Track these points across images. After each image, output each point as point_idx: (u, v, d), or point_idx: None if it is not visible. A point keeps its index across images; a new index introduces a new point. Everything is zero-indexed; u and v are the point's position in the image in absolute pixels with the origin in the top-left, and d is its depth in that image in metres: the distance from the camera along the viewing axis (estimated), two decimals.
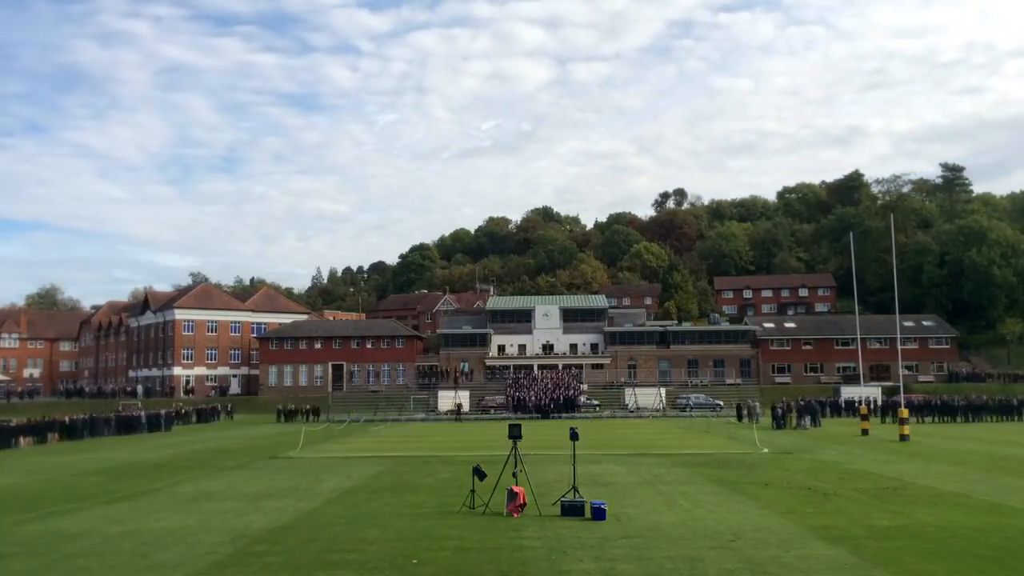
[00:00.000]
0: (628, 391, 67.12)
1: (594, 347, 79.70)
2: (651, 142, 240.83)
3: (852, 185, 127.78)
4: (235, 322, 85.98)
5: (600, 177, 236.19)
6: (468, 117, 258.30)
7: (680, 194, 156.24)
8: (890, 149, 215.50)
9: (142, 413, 51.77)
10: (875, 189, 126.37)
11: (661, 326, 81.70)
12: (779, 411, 45.82)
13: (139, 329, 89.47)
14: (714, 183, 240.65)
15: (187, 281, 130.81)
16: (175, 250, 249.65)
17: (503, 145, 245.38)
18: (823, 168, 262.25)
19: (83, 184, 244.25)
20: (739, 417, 50.29)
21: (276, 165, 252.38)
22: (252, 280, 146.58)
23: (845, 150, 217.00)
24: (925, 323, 78.33)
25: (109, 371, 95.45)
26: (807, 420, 45.14)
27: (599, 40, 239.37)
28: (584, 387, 68.04)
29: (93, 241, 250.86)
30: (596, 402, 65.36)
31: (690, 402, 63.94)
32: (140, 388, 78.85)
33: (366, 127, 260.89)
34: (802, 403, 47.71)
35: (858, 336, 54.87)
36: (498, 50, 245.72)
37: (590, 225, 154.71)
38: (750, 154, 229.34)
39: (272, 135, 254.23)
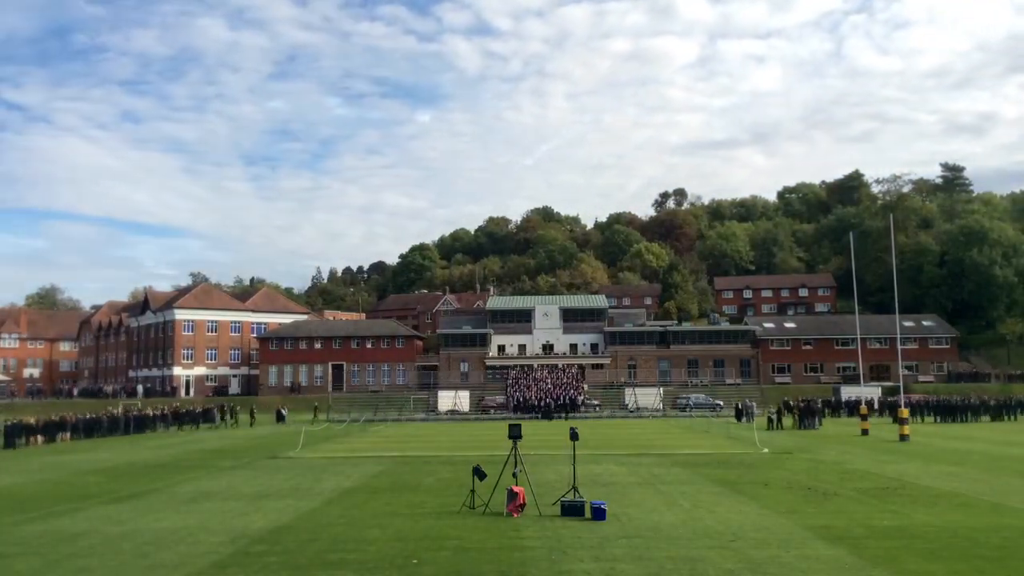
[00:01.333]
0: (628, 391, 67.11)
1: (594, 347, 79.70)
2: (767, 128, 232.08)
3: (852, 185, 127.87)
4: (235, 322, 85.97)
5: (703, 166, 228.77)
6: (589, 103, 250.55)
7: (680, 194, 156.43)
8: (1019, 138, 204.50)
9: (165, 411, 52.26)
10: (875, 189, 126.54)
11: (661, 326, 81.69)
12: (773, 412, 45.91)
13: (139, 329, 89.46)
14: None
15: (187, 280, 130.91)
16: (228, 248, 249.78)
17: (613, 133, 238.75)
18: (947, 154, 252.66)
19: (162, 180, 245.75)
20: (738, 417, 50.33)
21: (363, 159, 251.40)
22: (252, 280, 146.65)
23: (972, 139, 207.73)
24: (925, 323, 78.32)
25: (109, 371, 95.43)
26: (815, 420, 45.21)
27: (766, 14, 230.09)
28: (584, 387, 68.04)
29: (157, 239, 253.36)
30: (596, 402, 65.38)
31: (690, 402, 63.95)
32: (140, 388, 78.83)
33: (472, 116, 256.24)
34: (803, 403, 47.74)
35: (858, 336, 54.81)
36: (648, 26, 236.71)
37: (590, 225, 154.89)
38: (868, 141, 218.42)
39: (372, 128, 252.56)
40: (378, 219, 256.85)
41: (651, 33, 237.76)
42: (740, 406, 50.36)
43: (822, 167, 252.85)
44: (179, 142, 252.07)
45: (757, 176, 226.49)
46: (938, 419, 49.26)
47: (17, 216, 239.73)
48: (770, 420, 45.40)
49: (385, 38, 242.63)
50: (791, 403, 48.92)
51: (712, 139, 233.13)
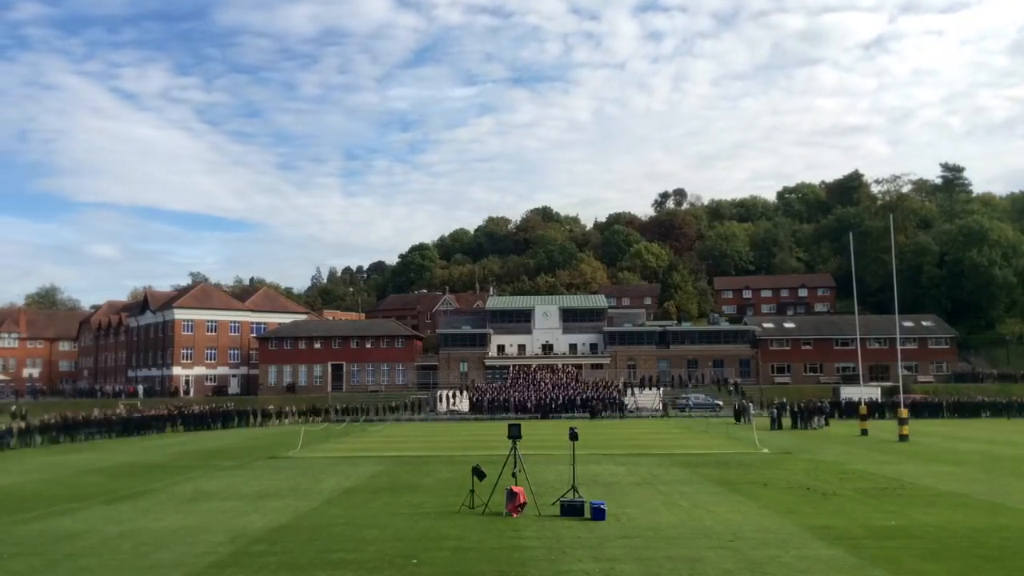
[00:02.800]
0: (628, 391, 67.09)
1: (593, 347, 79.70)
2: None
3: (852, 185, 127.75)
4: (234, 322, 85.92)
5: (820, 157, 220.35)
6: (732, 88, 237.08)
7: (680, 194, 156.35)
8: None
9: (206, 409, 53.47)
10: (875, 189, 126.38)
11: (660, 326, 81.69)
12: (774, 412, 45.90)
13: (138, 329, 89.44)
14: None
15: (187, 280, 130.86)
16: (301, 245, 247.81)
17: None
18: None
19: (255, 177, 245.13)
20: (737, 418, 50.35)
21: (462, 151, 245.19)
22: (251, 280, 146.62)
23: None
24: (925, 323, 78.32)
25: (108, 371, 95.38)
26: (821, 420, 45.25)
27: None
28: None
29: (226, 235, 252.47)
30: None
31: (690, 402, 63.98)
32: (141, 388, 78.78)
33: (596, 104, 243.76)
34: (817, 404, 47.71)
35: (858, 336, 54.82)
36: (833, 1, 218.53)
37: (589, 225, 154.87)
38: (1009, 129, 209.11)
39: (487, 116, 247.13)
40: (459, 215, 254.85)
41: (834, 8, 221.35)
42: (738, 406, 50.33)
43: (947, 156, 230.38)
44: (285, 136, 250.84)
45: (876, 165, 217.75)
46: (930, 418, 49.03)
47: (98, 210, 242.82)
48: (772, 420, 45.45)
49: (547, 18, 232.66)
50: (784, 404, 48.81)
51: (844, 124, 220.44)
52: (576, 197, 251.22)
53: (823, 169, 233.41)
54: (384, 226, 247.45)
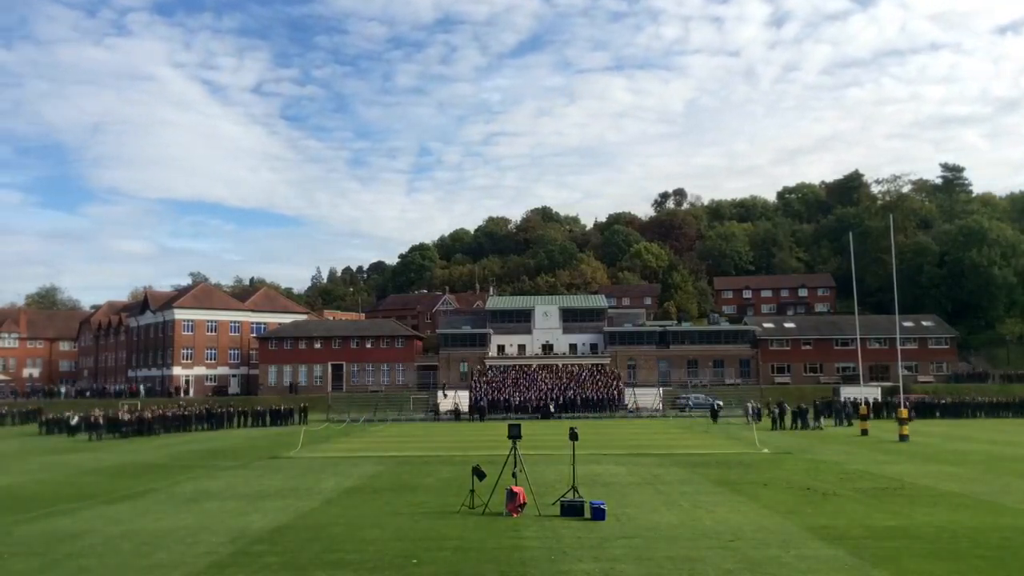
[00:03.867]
0: (628, 391, 67.07)
1: (594, 347, 79.70)
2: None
3: (852, 185, 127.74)
4: (234, 322, 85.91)
5: (910, 150, 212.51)
6: (843, 76, 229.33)
7: (680, 194, 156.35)
8: None
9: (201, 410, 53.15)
10: (875, 189, 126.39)
11: (661, 326, 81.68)
12: (774, 412, 45.84)
13: (138, 329, 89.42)
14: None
15: (187, 280, 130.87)
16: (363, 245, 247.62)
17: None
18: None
19: (323, 175, 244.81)
20: (713, 417, 50.02)
21: (536, 144, 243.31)
22: (252, 280, 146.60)
23: None
24: (925, 323, 78.32)
25: (108, 371, 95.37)
26: (828, 420, 45.24)
27: None
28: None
29: (288, 231, 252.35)
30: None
31: (689, 402, 63.95)
32: (143, 388, 78.76)
33: (686, 91, 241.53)
34: (828, 403, 47.63)
35: (858, 336, 54.85)
36: None
37: (590, 225, 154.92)
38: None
39: (578, 102, 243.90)
40: (516, 211, 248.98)
41: None
42: (751, 408, 49.52)
43: None
44: (366, 130, 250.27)
45: (985, 167, 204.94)
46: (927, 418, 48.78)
47: (158, 205, 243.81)
48: (773, 420, 45.40)
49: (676, 2, 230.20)
50: (779, 405, 48.71)
51: (945, 114, 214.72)
52: (646, 192, 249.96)
53: (911, 163, 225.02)
54: (442, 222, 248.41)
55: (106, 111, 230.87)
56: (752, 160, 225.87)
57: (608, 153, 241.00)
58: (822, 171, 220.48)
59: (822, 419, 45.84)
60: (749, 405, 49.36)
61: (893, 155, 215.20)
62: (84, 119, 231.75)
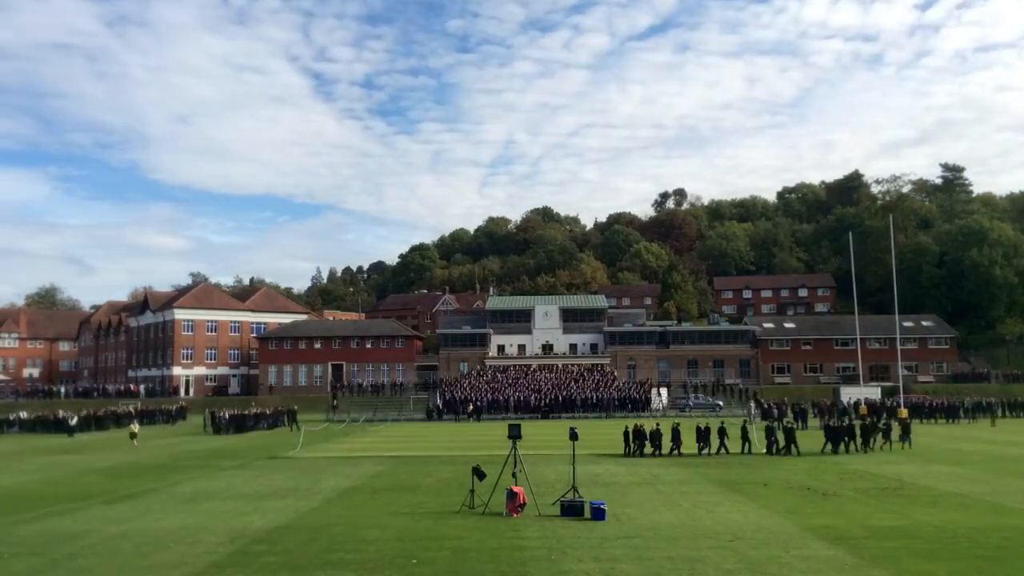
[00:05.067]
0: (652, 392, 66.79)
1: (593, 347, 79.67)
2: None
3: (852, 185, 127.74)
4: (235, 322, 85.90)
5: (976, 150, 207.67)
6: (976, 60, 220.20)
7: (680, 194, 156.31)
8: None
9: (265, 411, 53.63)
10: (875, 189, 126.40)
11: (661, 326, 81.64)
12: (775, 412, 45.78)
13: (138, 329, 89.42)
14: None
15: (187, 280, 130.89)
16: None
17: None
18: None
19: (400, 167, 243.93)
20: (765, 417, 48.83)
21: (622, 141, 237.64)
22: (252, 280, 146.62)
23: None
24: (925, 323, 78.29)
25: (108, 371, 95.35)
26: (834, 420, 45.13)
27: None
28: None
29: (372, 228, 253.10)
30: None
31: (690, 402, 63.96)
32: (143, 388, 78.74)
33: (805, 77, 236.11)
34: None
35: (858, 336, 54.84)
36: None
37: (589, 225, 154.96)
38: None
39: (689, 84, 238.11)
40: (593, 207, 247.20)
41: None
42: (767, 407, 49.05)
43: None
44: (460, 121, 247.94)
45: None
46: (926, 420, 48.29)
47: (224, 201, 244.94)
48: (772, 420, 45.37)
49: None
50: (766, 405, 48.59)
51: None
52: (731, 186, 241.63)
53: (1021, 156, 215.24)
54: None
55: (200, 101, 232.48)
56: (846, 152, 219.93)
57: (699, 143, 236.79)
58: (917, 164, 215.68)
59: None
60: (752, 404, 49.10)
61: (1003, 147, 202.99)
62: (177, 110, 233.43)
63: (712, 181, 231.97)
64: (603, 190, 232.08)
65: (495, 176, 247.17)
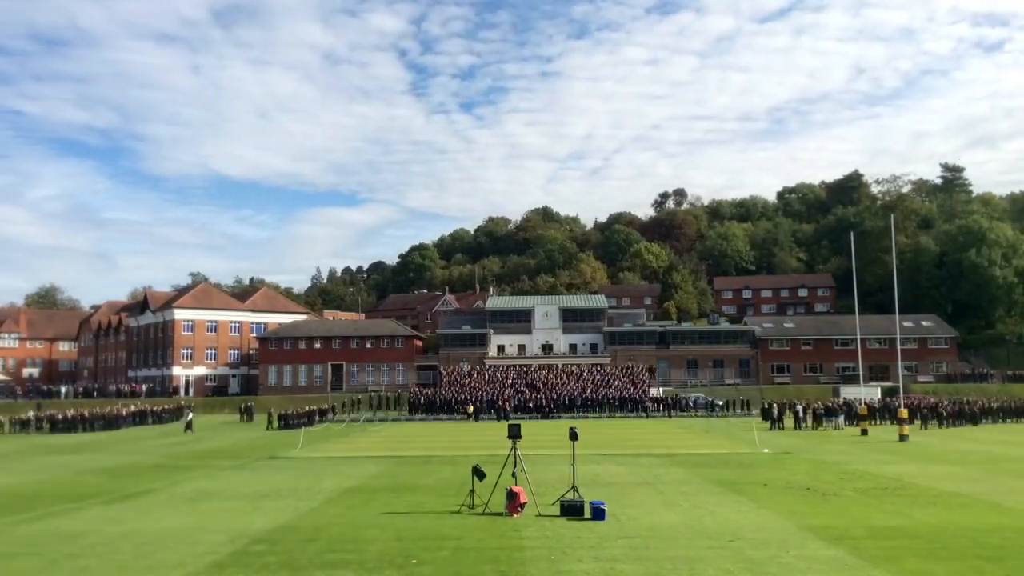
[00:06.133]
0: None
1: (593, 347, 79.68)
2: None
3: (852, 185, 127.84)
4: (234, 322, 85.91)
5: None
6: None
7: (680, 194, 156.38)
8: None
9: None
10: (875, 189, 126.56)
11: (660, 326, 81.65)
12: (775, 412, 45.84)
13: (138, 329, 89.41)
14: None
15: (187, 280, 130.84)
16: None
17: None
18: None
19: (472, 163, 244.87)
20: (765, 418, 48.87)
21: (705, 133, 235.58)
22: (251, 280, 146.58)
23: None
24: (924, 323, 78.29)
25: (108, 371, 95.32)
26: (841, 420, 45.25)
27: None
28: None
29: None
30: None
31: (690, 401, 63.94)
32: (144, 388, 78.72)
33: (913, 64, 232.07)
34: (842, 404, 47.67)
35: (858, 336, 54.71)
36: None
37: (589, 225, 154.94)
38: None
39: (798, 75, 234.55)
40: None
41: None
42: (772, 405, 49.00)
43: None
44: (548, 112, 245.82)
45: None
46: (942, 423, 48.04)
47: (282, 196, 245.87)
48: (773, 421, 45.44)
49: None
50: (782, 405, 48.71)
51: None
52: (812, 179, 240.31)
53: None
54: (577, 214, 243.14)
55: (296, 96, 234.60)
56: (938, 144, 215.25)
57: (782, 135, 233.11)
58: (1008, 159, 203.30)
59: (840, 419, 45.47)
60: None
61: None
62: (262, 103, 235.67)
63: (787, 176, 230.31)
64: (676, 183, 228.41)
65: (564, 171, 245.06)
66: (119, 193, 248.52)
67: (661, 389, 66.91)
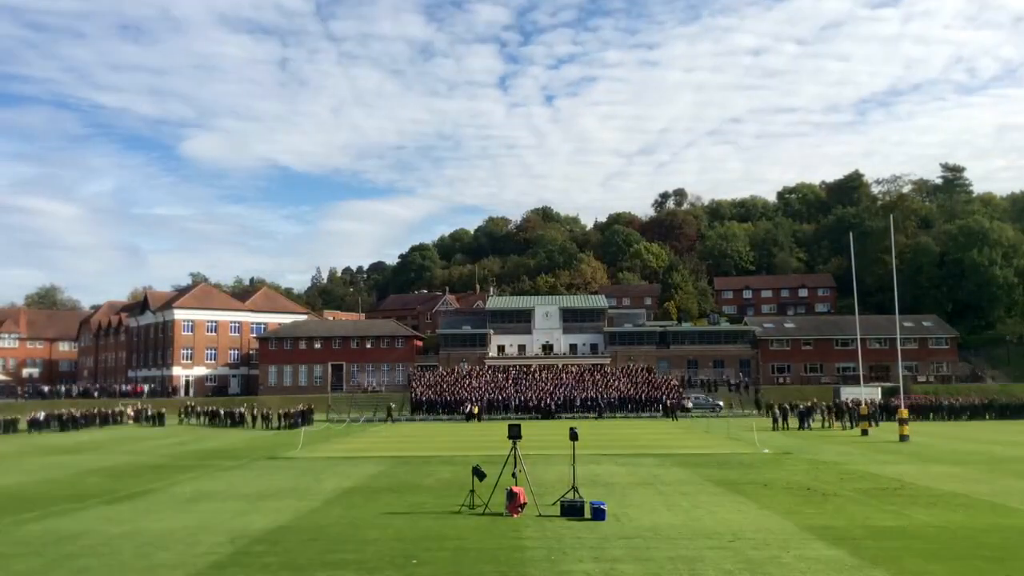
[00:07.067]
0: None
1: (594, 347, 79.71)
2: None
3: (852, 185, 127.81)
4: (234, 322, 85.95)
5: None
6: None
7: (680, 194, 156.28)
8: None
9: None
10: (875, 189, 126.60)
11: (661, 326, 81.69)
12: (777, 413, 45.90)
13: (138, 329, 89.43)
14: None
15: (187, 280, 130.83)
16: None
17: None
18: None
19: (538, 159, 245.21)
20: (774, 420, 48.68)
21: (785, 126, 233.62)
22: (252, 280, 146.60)
23: None
24: (925, 323, 78.32)
25: (108, 371, 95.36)
26: (846, 420, 45.40)
27: None
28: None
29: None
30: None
31: (690, 402, 63.91)
32: (146, 388, 78.77)
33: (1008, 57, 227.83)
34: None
35: (858, 336, 54.74)
36: None
37: (590, 225, 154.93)
38: None
39: (895, 65, 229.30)
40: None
41: None
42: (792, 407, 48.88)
43: None
44: (628, 104, 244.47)
45: None
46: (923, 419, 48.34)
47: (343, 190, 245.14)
48: (774, 420, 45.51)
49: None
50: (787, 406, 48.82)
51: None
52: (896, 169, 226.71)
53: None
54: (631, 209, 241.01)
55: (370, 91, 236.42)
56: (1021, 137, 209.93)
57: (863, 128, 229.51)
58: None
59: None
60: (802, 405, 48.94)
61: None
62: (341, 96, 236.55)
63: (865, 169, 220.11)
64: (746, 179, 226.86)
65: (630, 167, 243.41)
66: (172, 189, 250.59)
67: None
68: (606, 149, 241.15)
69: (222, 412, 57.19)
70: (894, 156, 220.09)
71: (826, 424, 47.15)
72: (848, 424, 45.55)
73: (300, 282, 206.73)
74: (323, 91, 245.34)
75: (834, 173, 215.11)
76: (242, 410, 57.01)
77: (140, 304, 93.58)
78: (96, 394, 78.23)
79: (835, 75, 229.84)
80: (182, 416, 61.72)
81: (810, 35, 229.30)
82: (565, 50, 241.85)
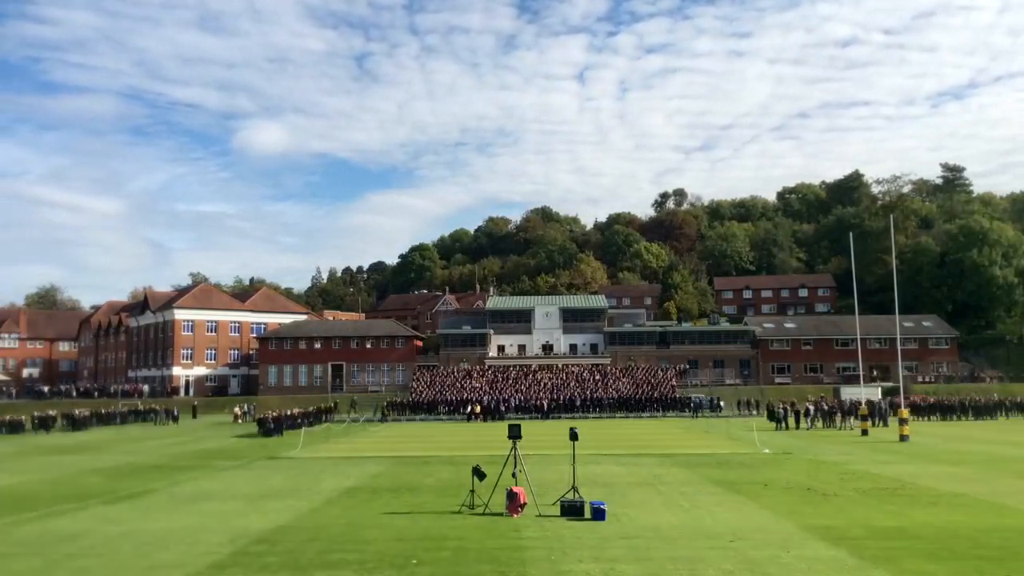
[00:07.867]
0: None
1: (594, 347, 79.68)
2: None
3: (852, 185, 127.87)
4: (235, 322, 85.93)
5: None
6: None
7: (680, 194, 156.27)
8: None
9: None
10: (875, 189, 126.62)
11: (661, 326, 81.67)
12: (779, 412, 45.87)
13: (138, 329, 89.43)
14: None
15: (187, 280, 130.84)
16: None
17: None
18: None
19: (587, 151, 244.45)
20: (772, 419, 48.52)
21: (832, 119, 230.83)
22: (252, 280, 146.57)
23: None
24: (925, 324, 78.29)
25: (108, 371, 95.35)
26: (849, 419, 45.34)
27: None
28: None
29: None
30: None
31: (691, 402, 63.84)
32: (146, 388, 78.76)
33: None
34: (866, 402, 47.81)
35: (858, 336, 54.67)
36: None
37: (589, 225, 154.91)
38: None
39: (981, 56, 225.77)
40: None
41: None
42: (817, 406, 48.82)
43: None
44: (701, 99, 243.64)
45: None
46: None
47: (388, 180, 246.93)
48: (777, 420, 45.49)
49: None
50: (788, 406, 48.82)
51: None
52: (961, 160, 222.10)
53: None
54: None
55: (443, 87, 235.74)
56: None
57: (942, 115, 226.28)
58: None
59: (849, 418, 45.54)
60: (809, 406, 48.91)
61: None
62: (410, 93, 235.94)
63: (929, 162, 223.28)
64: (803, 175, 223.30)
65: (687, 162, 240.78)
66: (221, 186, 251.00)
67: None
68: (665, 144, 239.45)
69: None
70: (965, 148, 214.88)
71: (827, 424, 46.99)
72: (846, 424, 45.31)
73: (300, 282, 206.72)
74: (395, 86, 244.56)
75: (899, 168, 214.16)
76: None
77: (140, 304, 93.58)
78: (96, 394, 78.23)
79: (918, 66, 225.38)
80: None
81: (900, 24, 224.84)
82: (655, 40, 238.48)
